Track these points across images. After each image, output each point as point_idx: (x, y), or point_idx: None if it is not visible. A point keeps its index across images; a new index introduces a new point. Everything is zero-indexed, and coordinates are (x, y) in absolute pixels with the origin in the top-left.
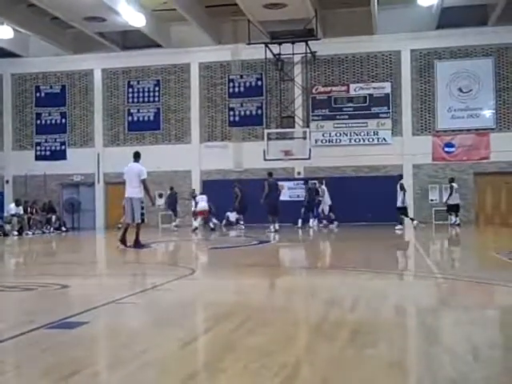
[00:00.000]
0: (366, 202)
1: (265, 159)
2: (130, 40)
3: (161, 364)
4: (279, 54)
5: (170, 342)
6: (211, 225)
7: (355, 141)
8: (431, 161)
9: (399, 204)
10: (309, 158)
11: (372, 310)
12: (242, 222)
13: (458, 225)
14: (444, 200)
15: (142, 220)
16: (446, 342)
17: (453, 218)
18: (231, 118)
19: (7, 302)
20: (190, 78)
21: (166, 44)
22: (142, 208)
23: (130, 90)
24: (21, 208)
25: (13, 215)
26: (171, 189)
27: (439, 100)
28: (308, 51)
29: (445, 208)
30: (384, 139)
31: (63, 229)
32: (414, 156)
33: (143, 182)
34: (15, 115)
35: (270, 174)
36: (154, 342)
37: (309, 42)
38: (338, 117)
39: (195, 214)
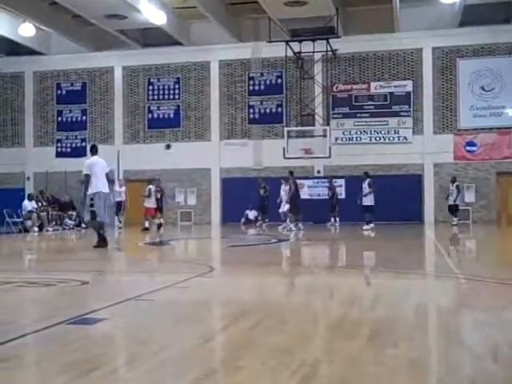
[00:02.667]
0: (387, 200)
1: (284, 157)
2: (150, 38)
3: (179, 361)
4: (299, 52)
5: (189, 339)
6: (152, 224)
7: (376, 139)
8: (453, 160)
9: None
10: (329, 157)
11: (392, 310)
12: (267, 220)
13: (456, 225)
14: (453, 200)
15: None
16: (467, 342)
17: (454, 219)
18: (251, 116)
19: (28, 297)
20: (210, 76)
21: (187, 42)
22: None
23: (150, 87)
24: (33, 202)
25: (30, 211)
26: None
27: (461, 98)
28: (329, 49)
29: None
30: (405, 138)
31: (83, 225)
32: (435, 155)
33: (107, 176)
34: (36, 112)
35: (291, 173)
36: (173, 339)
37: (329, 40)
38: (358, 115)
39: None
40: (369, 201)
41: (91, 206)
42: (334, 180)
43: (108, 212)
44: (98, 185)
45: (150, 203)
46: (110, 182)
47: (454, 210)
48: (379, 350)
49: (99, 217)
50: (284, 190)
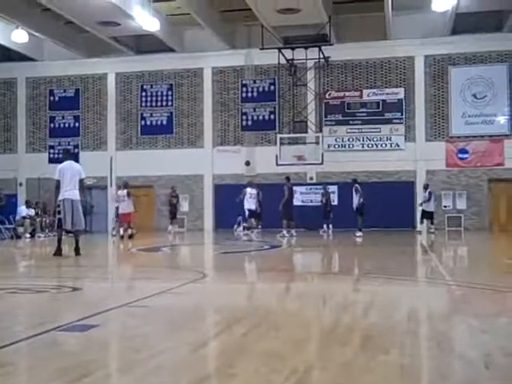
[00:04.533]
0: (379, 207)
1: (277, 164)
2: (143, 44)
3: (172, 368)
4: (292, 59)
5: (181, 345)
6: (126, 232)
7: (368, 146)
8: (445, 167)
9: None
10: (321, 163)
11: (384, 316)
12: (259, 227)
13: (433, 233)
14: (426, 206)
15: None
16: (459, 349)
17: (430, 226)
18: (244, 123)
19: (19, 303)
20: (203, 83)
21: (180, 48)
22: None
23: (143, 94)
24: (32, 210)
25: (24, 217)
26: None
27: (453, 106)
28: (321, 56)
29: (422, 213)
30: (397, 145)
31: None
32: (427, 162)
33: (81, 182)
34: (29, 118)
35: (288, 179)
36: (165, 346)
37: (322, 48)
38: (350, 122)
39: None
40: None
41: (58, 212)
42: (327, 186)
43: (76, 218)
44: (63, 192)
45: (127, 208)
46: (83, 188)
47: (428, 216)
48: (371, 356)
49: (64, 224)
50: (251, 195)
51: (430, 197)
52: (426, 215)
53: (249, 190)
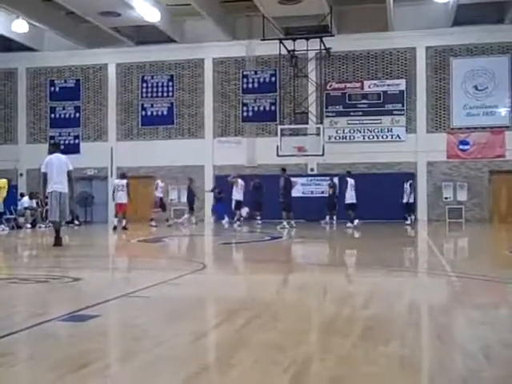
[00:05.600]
0: (379, 199)
1: (278, 155)
2: (144, 35)
3: (172, 358)
4: (293, 50)
5: (181, 336)
6: (120, 223)
7: (369, 138)
8: (446, 158)
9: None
10: (322, 155)
11: (385, 308)
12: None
13: (410, 224)
14: (407, 199)
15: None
16: (459, 340)
17: (412, 217)
18: (245, 114)
19: (20, 294)
20: (203, 74)
21: (181, 39)
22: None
23: (144, 84)
24: (34, 201)
25: (26, 208)
26: (190, 180)
27: (454, 97)
28: (322, 47)
29: (405, 206)
30: (398, 136)
31: (76, 222)
32: (428, 153)
33: (69, 174)
34: (29, 109)
35: (284, 170)
36: (165, 336)
37: (323, 38)
38: (351, 113)
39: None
40: (351, 198)
41: (46, 204)
42: (334, 178)
43: (62, 210)
44: (51, 184)
45: (123, 198)
46: (71, 180)
47: (408, 209)
48: (371, 347)
49: (50, 216)
50: (241, 187)
51: (411, 189)
52: (408, 207)
53: (240, 181)
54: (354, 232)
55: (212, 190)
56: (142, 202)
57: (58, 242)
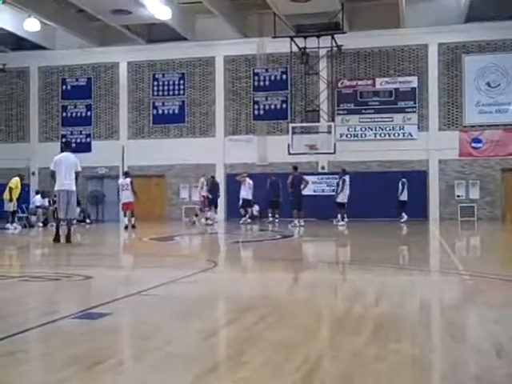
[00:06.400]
0: (391, 197)
1: (289, 153)
2: (155, 33)
3: (183, 355)
4: (304, 48)
5: (193, 334)
6: (130, 222)
7: (381, 135)
8: (458, 156)
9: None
10: (334, 153)
11: (396, 306)
12: (270, 216)
13: (405, 222)
14: (399, 196)
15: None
16: (471, 339)
17: (404, 216)
18: (256, 112)
19: (32, 291)
20: (214, 72)
21: (192, 37)
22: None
23: (155, 83)
24: (46, 200)
25: (38, 207)
26: (212, 178)
27: (467, 95)
28: (334, 45)
29: (398, 204)
30: (410, 134)
31: (87, 221)
32: (440, 151)
33: (77, 174)
34: (41, 107)
35: (295, 168)
36: (177, 334)
37: (334, 36)
38: (363, 111)
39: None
40: (342, 198)
41: (54, 202)
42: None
43: (69, 208)
44: (60, 183)
45: (129, 197)
46: (77, 180)
47: (402, 205)
48: (382, 345)
49: (58, 213)
50: (249, 186)
51: (403, 187)
52: (402, 204)
53: (248, 180)
54: (364, 230)
55: (209, 191)
56: (153, 200)
57: (58, 238)
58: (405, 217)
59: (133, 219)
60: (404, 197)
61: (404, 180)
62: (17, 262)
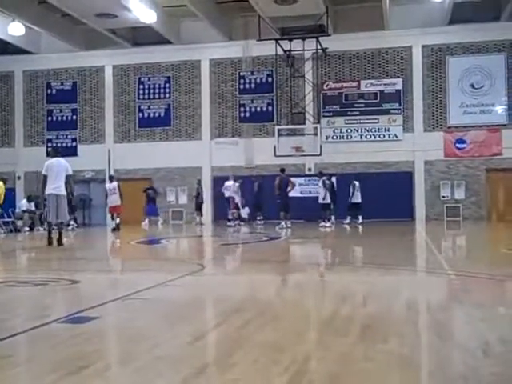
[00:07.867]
0: (377, 198)
1: (275, 155)
2: (140, 36)
3: (171, 358)
4: (290, 50)
5: (181, 336)
6: (117, 221)
7: (366, 137)
8: (443, 157)
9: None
10: (320, 154)
11: (383, 306)
12: (258, 218)
13: (361, 223)
14: (350, 198)
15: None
16: (458, 338)
17: (359, 218)
18: (242, 115)
19: (19, 296)
20: (200, 75)
21: (177, 40)
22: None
23: (141, 86)
24: (32, 204)
25: (24, 211)
26: (198, 182)
27: (451, 96)
28: (319, 47)
29: (353, 206)
30: (395, 135)
31: (74, 224)
32: (425, 152)
33: (68, 178)
34: (26, 112)
35: (283, 170)
36: (164, 337)
37: (319, 38)
38: (348, 113)
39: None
40: (327, 199)
41: (44, 206)
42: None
43: (60, 212)
44: (50, 187)
45: (117, 201)
46: (69, 184)
47: (357, 208)
48: (370, 346)
49: (48, 217)
50: (234, 188)
51: (354, 189)
52: (355, 207)
53: (231, 182)
54: (351, 231)
55: (196, 196)
56: (140, 204)
57: (50, 241)
58: (360, 219)
59: (117, 219)
60: (356, 199)
61: (355, 182)
62: (3, 267)
